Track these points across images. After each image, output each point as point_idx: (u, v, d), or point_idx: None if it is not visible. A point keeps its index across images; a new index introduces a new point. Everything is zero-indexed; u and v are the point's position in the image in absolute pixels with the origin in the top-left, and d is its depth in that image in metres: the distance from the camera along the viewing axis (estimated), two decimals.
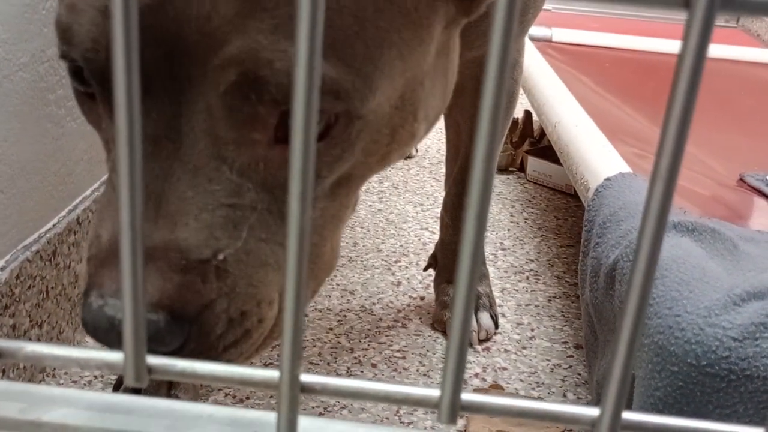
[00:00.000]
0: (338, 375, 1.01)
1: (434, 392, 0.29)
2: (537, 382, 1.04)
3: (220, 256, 0.44)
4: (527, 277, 1.31)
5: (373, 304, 1.19)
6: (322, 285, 0.55)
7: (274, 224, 0.47)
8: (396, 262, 1.33)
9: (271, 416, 0.31)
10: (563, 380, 1.05)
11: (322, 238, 0.51)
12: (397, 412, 0.96)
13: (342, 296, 1.21)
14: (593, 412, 0.29)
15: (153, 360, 0.29)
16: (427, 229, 1.45)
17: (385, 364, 1.05)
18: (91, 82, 0.45)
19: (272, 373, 0.30)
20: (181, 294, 0.42)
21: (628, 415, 0.29)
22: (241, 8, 0.41)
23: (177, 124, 0.43)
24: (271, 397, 0.97)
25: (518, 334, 1.14)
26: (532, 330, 1.16)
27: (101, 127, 0.49)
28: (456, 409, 0.28)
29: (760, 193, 1.04)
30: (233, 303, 0.45)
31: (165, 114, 0.43)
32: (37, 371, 0.94)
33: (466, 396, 0.29)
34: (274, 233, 0.47)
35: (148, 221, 0.42)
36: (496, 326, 1.14)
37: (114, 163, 0.47)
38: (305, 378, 0.30)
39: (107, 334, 0.40)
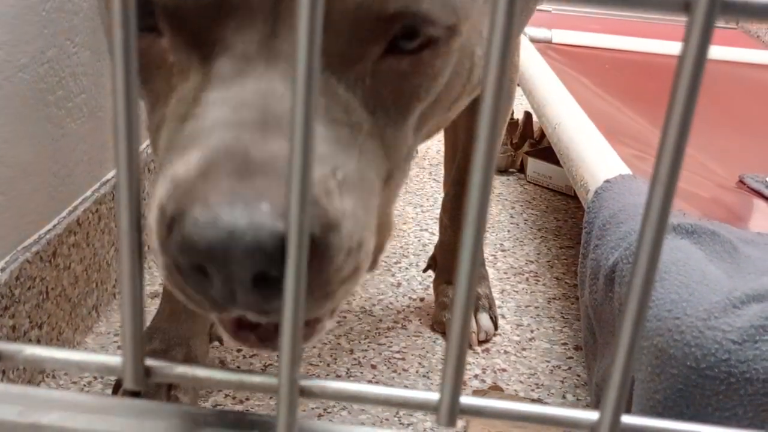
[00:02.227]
0: (338, 376, 1.01)
1: (433, 396, 0.29)
2: (536, 384, 1.04)
3: (339, 175, 0.39)
4: (527, 279, 1.31)
5: (373, 305, 1.19)
6: (382, 251, 0.46)
7: (377, 149, 0.43)
8: (396, 263, 1.33)
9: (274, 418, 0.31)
10: (563, 382, 1.05)
11: (391, 191, 0.47)
12: (397, 413, 0.96)
13: None
14: (592, 415, 0.29)
15: (151, 362, 0.29)
16: (426, 230, 1.45)
17: (385, 365, 1.05)
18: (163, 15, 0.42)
19: (271, 379, 0.30)
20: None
21: (627, 419, 0.29)
22: None
23: (272, 43, 0.40)
24: (271, 398, 0.97)
25: (518, 336, 1.14)
26: (532, 331, 1.16)
27: (159, 67, 0.44)
28: (455, 412, 0.28)
29: (759, 194, 1.04)
30: (356, 229, 0.39)
31: (258, 34, 0.40)
32: (36, 372, 0.94)
33: (465, 399, 0.29)
34: (377, 159, 0.43)
35: (254, 133, 0.37)
36: (496, 327, 1.14)
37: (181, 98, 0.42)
38: (304, 382, 0.30)
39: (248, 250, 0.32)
